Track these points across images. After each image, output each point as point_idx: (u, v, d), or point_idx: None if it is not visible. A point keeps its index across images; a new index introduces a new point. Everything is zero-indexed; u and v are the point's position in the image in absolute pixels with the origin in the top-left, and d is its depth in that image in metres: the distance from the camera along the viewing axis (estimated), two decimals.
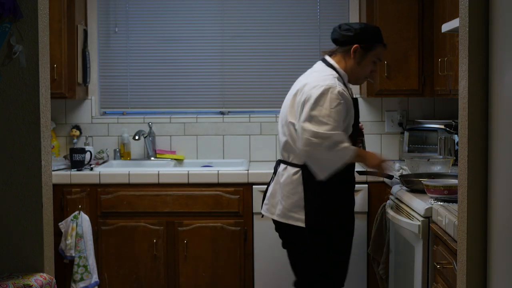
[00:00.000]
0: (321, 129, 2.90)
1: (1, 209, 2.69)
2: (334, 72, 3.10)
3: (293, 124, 3.07)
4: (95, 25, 4.70)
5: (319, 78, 3.06)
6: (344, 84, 3.10)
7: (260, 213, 3.38)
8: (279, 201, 3.15)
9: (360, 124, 3.30)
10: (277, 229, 3.24)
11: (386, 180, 3.94)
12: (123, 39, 4.76)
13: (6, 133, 2.68)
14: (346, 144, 2.96)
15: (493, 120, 1.98)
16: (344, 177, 3.08)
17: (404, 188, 3.35)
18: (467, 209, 2.05)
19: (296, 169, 3.09)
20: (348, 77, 3.17)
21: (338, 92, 2.97)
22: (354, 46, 3.10)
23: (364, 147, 3.32)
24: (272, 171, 3.32)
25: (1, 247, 2.69)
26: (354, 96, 3.16)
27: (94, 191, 4.10)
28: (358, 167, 4.09)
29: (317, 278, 3.13)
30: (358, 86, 4.64)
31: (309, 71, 3.24)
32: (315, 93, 2.96)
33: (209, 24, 4.75)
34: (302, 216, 3.06)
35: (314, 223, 3.06)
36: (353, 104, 3.08)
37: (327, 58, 3.19)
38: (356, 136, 3.20)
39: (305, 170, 3.05)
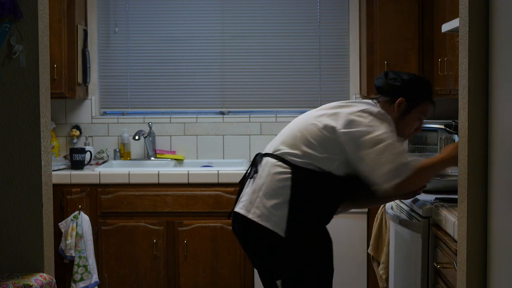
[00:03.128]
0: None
1: (1, 209, 2.69)
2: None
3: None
4: (95, 25, 4.70)
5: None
6: None
7: None
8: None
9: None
10: None
11: None
12: (123, 39, 4.76)
13: (6, 133, 2.68)
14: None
15: (493, 120, 1.98)
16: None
17: None
18: (467, 209, 2.04)
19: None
20: None
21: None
22: (399, 99, 2.72)
23: None
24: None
25: (1, 247, 2.69)
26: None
27: (94, 191, 4.10)
28: None
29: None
30: (358, 86, 4.65)
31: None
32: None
33: (209, 24, 4.75)
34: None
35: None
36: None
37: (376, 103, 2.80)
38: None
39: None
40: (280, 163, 2.65)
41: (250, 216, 2.65)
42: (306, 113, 2.79)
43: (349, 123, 2.60)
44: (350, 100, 2.79)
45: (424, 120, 2.84)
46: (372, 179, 2.57)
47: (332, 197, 2.66)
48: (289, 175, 2.61)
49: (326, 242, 2.71)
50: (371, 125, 2.59)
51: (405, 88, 2.73)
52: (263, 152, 2.77)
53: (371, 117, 2.61)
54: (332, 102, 2.76)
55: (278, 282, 2.69)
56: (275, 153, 2.69)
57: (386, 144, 2.54)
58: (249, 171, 2.79)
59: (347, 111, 2.65)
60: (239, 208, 2.71)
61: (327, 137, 2.61)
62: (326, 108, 2.73)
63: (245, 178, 2.80)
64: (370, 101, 2.78)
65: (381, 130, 2.58)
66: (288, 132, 2.73)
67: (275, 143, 2.74)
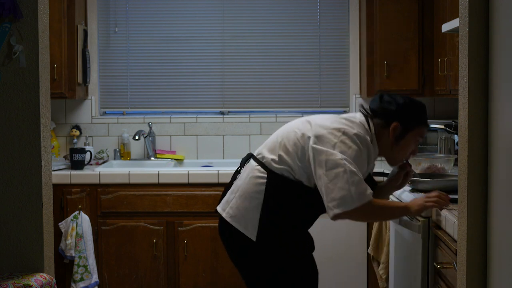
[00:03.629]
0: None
1: (1, 209, 2.69)
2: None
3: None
4: (95, 25, 4.70)
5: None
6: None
7: None
8: None
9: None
10: None
11: None
12: (123, 39, 4.76)
13: (6, 133, 2.68)
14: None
15: (493, 120, 1.98)
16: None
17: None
18: (467, 209, 2.04)
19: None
20: (380, 152, 2.70)
21: None
22: (394, 124, 2.61)
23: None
24: None
25: (1, 247, 2.69)
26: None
27: (94, 191, 4.10)
28: None
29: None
30: (357, 86, 4.65)
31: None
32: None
33: (209, 24, 4.75)
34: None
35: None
36: None
37: (370, 121, 2.67)
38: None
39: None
40: (258, 167, 2.64)
41: (224, 214, 2.71)
42: (298, 119, 2.74)
43: (318, 138, 2.54)
44: (346, 115, 2.70)
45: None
46: (324, 200, 2.53)
47: (307, 207, 2.61)
48: (265, 180, 2.59)
49: (303, 250, 2.68)
50: (338, 146, 2.51)
51: (400, 112, 2.62)
52: (253, 153, 2.76)
53: (344, 136, 2.52)
54: (330, 115, 2.70)
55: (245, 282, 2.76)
56: (257, 157, 2.69)
57: (343, 170, 2.47)
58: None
59: (325, 125, 2.58)
60: (218, 206, 2.79)
61: (302, 147, 2.57)
62: (314, 119, 2.67)
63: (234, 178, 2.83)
64: (363, 119, 2.66)
65: (344, 154, 2.49)
66: (274, 136, 2.72)
67: (261, 146, 2.75)
